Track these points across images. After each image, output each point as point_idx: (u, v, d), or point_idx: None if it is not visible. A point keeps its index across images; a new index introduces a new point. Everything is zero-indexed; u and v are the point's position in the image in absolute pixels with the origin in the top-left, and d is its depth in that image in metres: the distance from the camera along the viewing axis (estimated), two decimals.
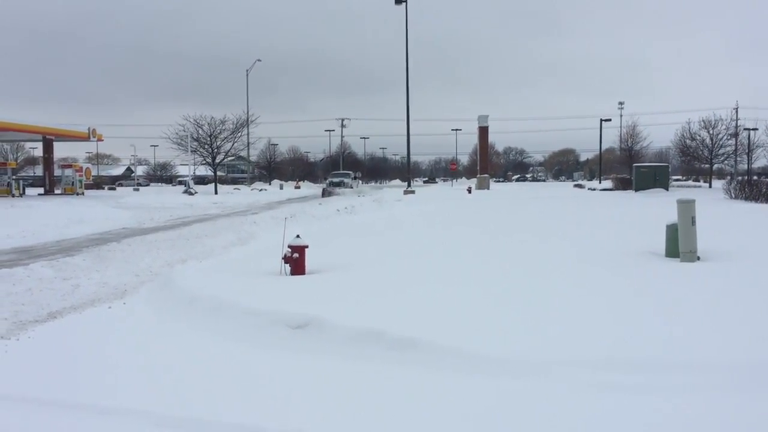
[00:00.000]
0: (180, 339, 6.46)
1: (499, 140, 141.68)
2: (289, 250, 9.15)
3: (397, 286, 8.03)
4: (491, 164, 72.36)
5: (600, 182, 59.38)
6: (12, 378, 5.28)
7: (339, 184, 47.42)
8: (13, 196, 43.50)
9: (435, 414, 4.33)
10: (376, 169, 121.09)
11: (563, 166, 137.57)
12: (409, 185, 47.79)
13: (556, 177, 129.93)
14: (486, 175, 52.60)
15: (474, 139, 71.83)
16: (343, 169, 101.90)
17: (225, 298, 7.43)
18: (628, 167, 49.33)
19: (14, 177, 48.37)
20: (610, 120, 71.02)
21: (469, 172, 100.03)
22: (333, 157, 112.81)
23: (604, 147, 73.07)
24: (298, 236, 9.41)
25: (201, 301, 7.54)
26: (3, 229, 18.19)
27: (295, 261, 9.13)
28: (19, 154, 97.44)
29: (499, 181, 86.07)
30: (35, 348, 6.24)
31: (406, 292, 7.62)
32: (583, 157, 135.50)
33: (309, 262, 9.30)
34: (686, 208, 9.81)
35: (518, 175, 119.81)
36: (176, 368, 5.51)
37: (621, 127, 69.25)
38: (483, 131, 54.71)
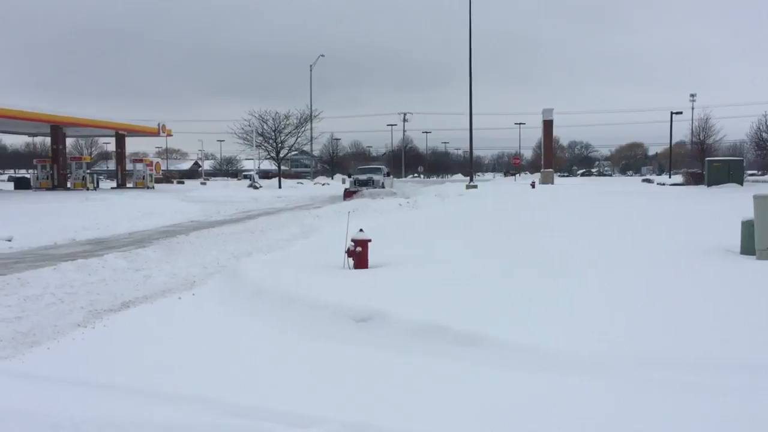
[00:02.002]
0: (246, 330, 6.59)
1: (563, 134, 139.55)
2: (353, 243, 9.21)
3: (461, 281, 7.97)
4: (555, 159, 71.23)
5: (669, 177, 57.58)
6: (89, 365, 5.49)
7: (367, 183, 33.82)
8: (88, 189, 45.25)
9: (500, 412, 4.28)
10: (437, 164, 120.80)
11: (630, 160, 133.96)
12: (471, 180, 47.45)
13: (623, 172, 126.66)
14: (550, 170, 51.77)
15: (538, 134, 70.84)
16: (405, 163, 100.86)
17: (290, 290, 7.53)
18: (700, 161, 47.61)
19: (89, 171, 50.32)
20: (681, 113, 68.68)
21: (533, 166, 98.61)
22: (395, 152, 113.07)
23: (673, 141, 70.81)
24: (361, 230, 9.46)
25: (266, 294, 7.67)
26: (79, 221, 18.96)
27: (358, 255, 9.18)
28: (93, 148, 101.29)
29: (563, 176, 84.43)
30: (110, 336, 6.47)
31: (471, 287, 7.55)
32: (651, 151, 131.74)
33: (371, 256, 9.34)
34: (763, 203, 9.41)
35: (583, 170, 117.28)
36: (242, 358, 5.62)
37: (692, 120, 66.97)
38: (547, 125, 53.87)
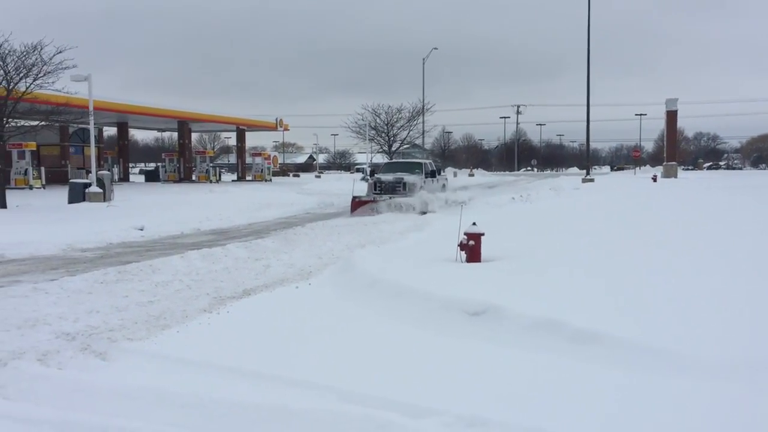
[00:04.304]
0: (361, 320, 6.72)
1: (688, 125, 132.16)
2: (465, 237, 9.16)
3: (577, 276, 7.73)
4: (679, 151, 67.68)
5: None
6: (214, 348, 5.79)
7: (394, 187, 21.65)
8: (211, 182, 47.60)
9: (618, 414, 4.14)
10: (552, 157, 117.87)
11: (763, 152, 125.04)
12: (587, 173, 45.95)
13: (755, 165, 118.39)
14: (673, 163, 49.22)
15: (660, 125, 67.61)
16: (518, 156, 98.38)
17: (403, 282, 7.60)
18: None
19: (212, 164, 52.89)
20: None
21: (654, 159, 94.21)
22: (507, 144, 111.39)
23: None
24: (474, 224, 9.39)
25: (380, 285, 7.78)
26: (202, 212, 20.00)
27: (471, 248, 9.13)
28: (215, 143, 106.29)
29: (687, 169, 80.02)
30: (233, 322, 6.78)
31: (588, 283, 7.31)
32: None
33: (484, 249, 9.26)
34: None
35: (710, 163, 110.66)
36: (356, 347, 5.73)
37: None
38: (671, 116, 51.20)
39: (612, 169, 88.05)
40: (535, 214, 17.30)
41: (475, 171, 76.06)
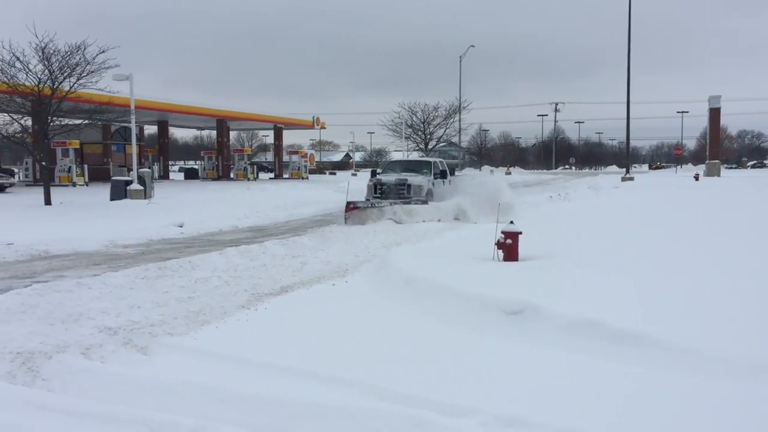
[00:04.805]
0: (397, 318, 6.72)
1: (731, 123, 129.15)
2: (503, 235, 9.09)
3: (616, 276, 7.60)
4: (722, 149, 66.19)
5: None
6: (252, 344, 5.85)
7: (397, 192, 18.47)
8: (249, 179, 48.09)
9: (658, 416, 4.06)
10: (590, 155, 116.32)
11: None
12: (627, 172, 45.24)
13: None
14: (716, 161, 48.19)
15: (702, 122, 66.14)
16: (555, 155, 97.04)
17: (439, 281, 7.57)
18: None
19: (249, 162, 53.44)
20: None
21: (696, 157, 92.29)
22: (545, 143, 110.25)
23: None
24: (511, 222, 9.32)
25: (416, 283, 7.76)
26: (240, 210, 20.23)
27: (508, 247, 9.05)
28: (253, 141, 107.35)
29: (731, 167, 78.06)
30: (271, 318, 6.84)
31: (627, 282, 7.18)
32: None
33: (521, 248, 9.17)
34: None
35: (754, 161, 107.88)
36: (392, 345, 5.73)
37: None
38: (714, 113, 50.13)
39: (650, 168, 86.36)
40: (573, 213, 17.09)
41: (512, 169, 75.43)
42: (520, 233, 9.15)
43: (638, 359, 4.97)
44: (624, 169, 47.86)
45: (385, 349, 5.63)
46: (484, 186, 18.92)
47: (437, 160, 21.46)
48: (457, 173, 23.66)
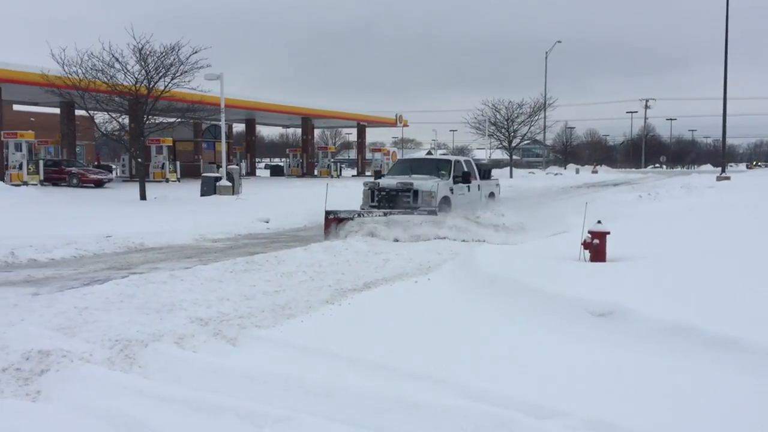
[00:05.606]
0: (479, 316, 6.66)
1: None
2: (590, 235, 8.85)
3: (710, 279, 7.26)
4: None
5: None
6: (336, 338, 5.93)
7: (399, 199, 14.25)
8: (332, 177, 48.77)
9: (758, 425, 3.86)
10: (682, 153, 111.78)
11: None
12: (723, 171, 43.20)
13: None
14: None
15: None
16: (645, 153, 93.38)
17: (523, 280, 7.45)
18: None
19: (333, 160, 54.23)
20: None
21: None
22: (634, 140, 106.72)
23: None
24: (599, 222, 9.06)
25: (500, 282, 7.67)
26: (323, 206, 20.48)
27: (596, 247, 8.81)
28: (336, 139, 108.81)
29: None
30: (354, 313, 6.92)
31: (722, 286, 6.84)
32: None
33: (609, 249, 8.91)
34: None
35: None
36: (476, 344, 5.68)
37: None
38: None
39: (747, 167, 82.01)
40: (665, 213, 16.49)
41: (598, 168, 73.40)
42: (608, 233, 8.88)
43: (736, 365, 4.72)
44: (719, 168, 45.71)
45: (468, 347, 5.59)
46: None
47: (462, 158, 17.40)
48: (493, 176, 19.45)
